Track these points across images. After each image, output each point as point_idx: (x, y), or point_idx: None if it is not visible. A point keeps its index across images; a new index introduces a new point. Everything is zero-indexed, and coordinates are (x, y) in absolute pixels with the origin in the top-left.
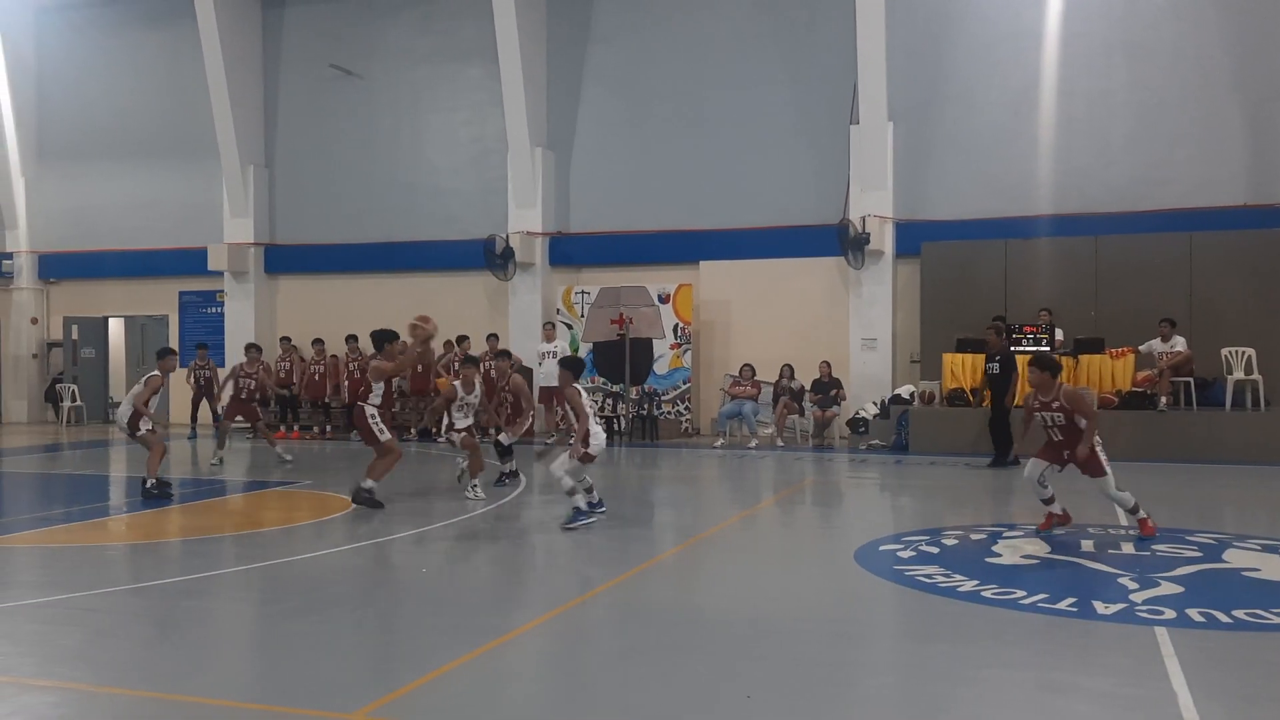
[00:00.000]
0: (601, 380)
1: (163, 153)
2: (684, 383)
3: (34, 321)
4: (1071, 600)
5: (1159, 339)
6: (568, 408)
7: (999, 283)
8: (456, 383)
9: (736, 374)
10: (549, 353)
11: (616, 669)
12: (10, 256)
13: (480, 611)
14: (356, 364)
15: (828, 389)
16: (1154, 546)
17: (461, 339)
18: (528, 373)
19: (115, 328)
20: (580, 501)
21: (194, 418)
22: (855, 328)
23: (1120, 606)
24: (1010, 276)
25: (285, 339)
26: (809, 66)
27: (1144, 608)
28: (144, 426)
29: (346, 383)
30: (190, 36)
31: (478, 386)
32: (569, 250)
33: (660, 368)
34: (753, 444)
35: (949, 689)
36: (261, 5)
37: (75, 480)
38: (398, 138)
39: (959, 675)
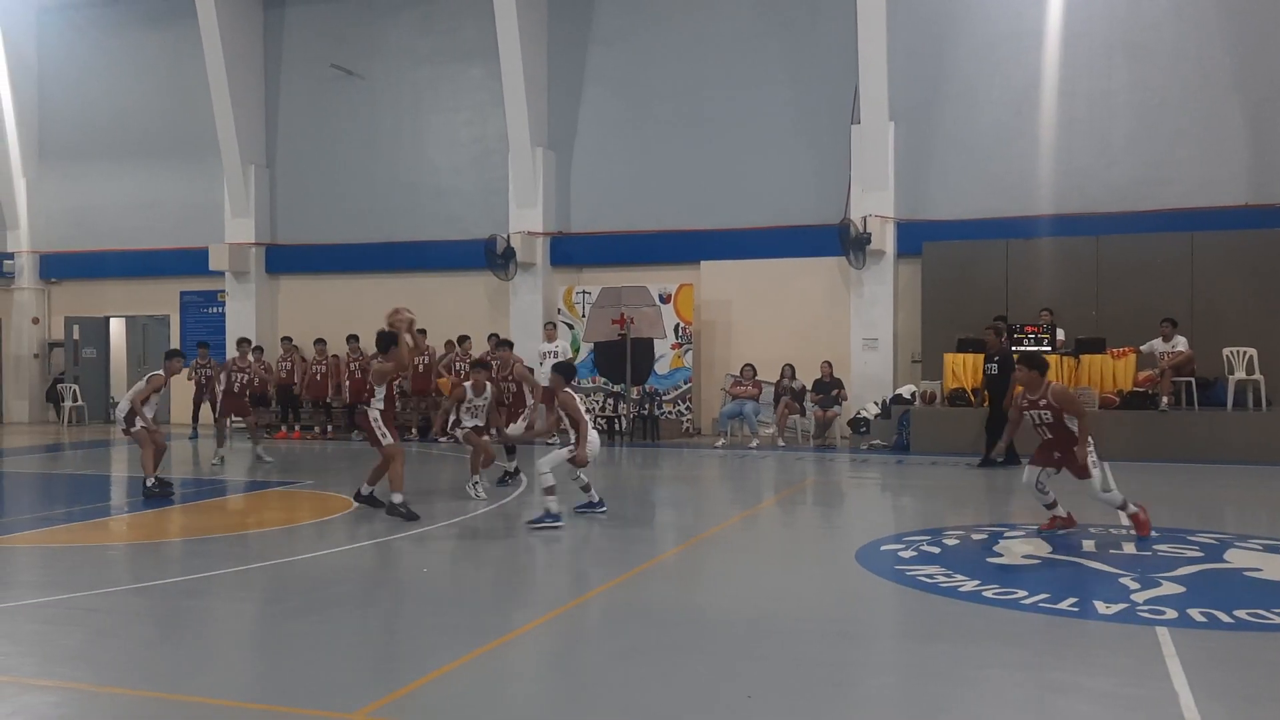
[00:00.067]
0: (602, 380)
1: (164, 152)
2: (685, 383)
3: (35, 321)
4: (1073, 600)
5: (1160, 339)
6: (562, 413)
7: (1000, 283)
8: (467, 385)
9: (737, 374)
10: (550, 353)
11: (617, 669)
12: (11, 256)
13: (481, 611)
14: (358, 364)
15: (829, 389)
16: (1155, 546)
17: (463, 339)
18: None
19: (116, 328)
20: (553, 505)
21: (195, 418)
22: (856, 327)
23: (1121, 606)
24: (1011, 276)
25: (286, 339)
26: (810, 66)
27: (1145, 608)
28: (138, 423)
29: (348, 383)
30: (191, 36)
31: (488, 390)
32: (570, 250)
33: (661, 368)
34: (754, 444)
35: (950, 689)
36: (262, 5)
37: (76, 480)
38: (399, 138)
39: (960, 675)
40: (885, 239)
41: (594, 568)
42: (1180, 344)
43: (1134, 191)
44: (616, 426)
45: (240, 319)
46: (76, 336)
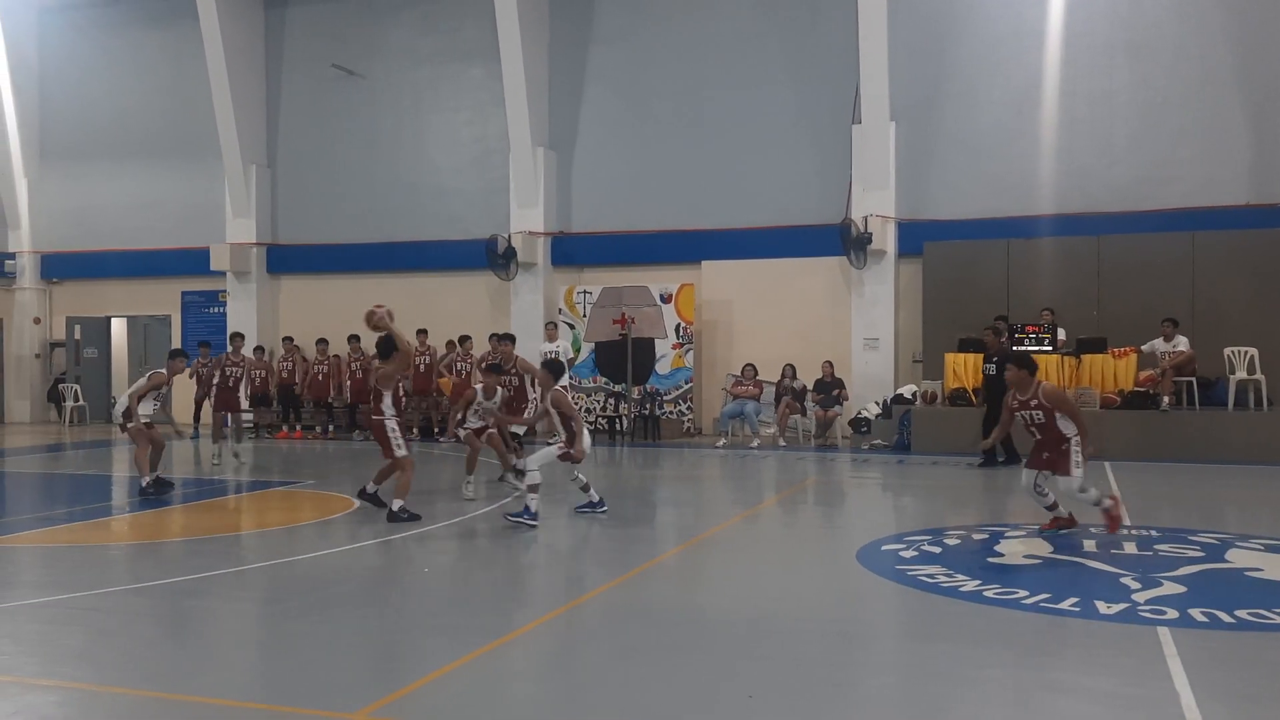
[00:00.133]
0: (603, 380)
1: (165, 153)
2: (686, 382)
3: (37, 321)
4: (1074, 600)
5: (1161, 339)
6: (555, 411)
7: (1001, 282)
8: (478, 387)
9: (738, 374)
10: (551, 352)
11: (618, 669)
12: (13, 256)
13: (482, 611)
14: (359, 364)
15: (830, 389)
16: (1156, 546)
17: (464, 339)
18: None
19: (118, 328)
20: (533, 503)
21: (196, 417)
22: (857, 327)
23: (1123, 606)
24: (1013, 276)
25: (288, 339)
26: (811, 66)
27: (1146, 608)
28: (137, 419)
29: (349, 383)
30: (192, 36)
31: (499, 394)
32: (571, 250)
33: (662, 368)
34: (755, 444)
35: (951, 689)
36: (263, 5)
37: (78, 480)
38: (400, 138)
39: (961, 675)
40: (886, 239)
41: (594, 568)
42: (1181, 344)
43: (1135, 191)
44: (617, 426)
45: (241, 319)
46: (78, 336)
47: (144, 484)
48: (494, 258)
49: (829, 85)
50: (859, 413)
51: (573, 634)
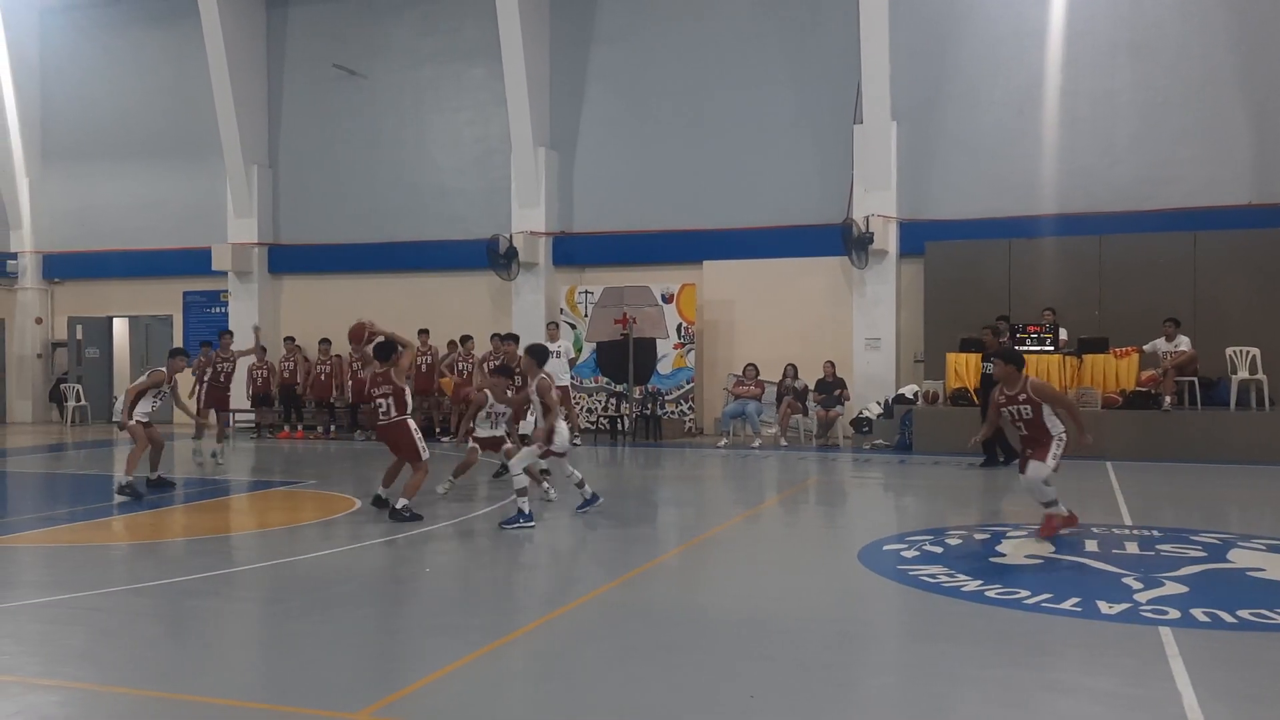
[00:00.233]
0: (605, 380)
1: (166, 153)
2: (687, 382)
3: (38, 321)
4: (1075, 600)
5: (1163, 338)
6: (535, 399)
7: (1003, 282)
8: (486, 391)
9: (740, 374)
10: (553, 353)
11: (618, 669)
12: (15, 257)
13: (483, 611)
14: (360, 364)
15: (831, 389)
16: (1158, 546)
17: (465, 339)
18: None
19: (119, 328)
20: (524, 505)
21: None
22: (859, 327)
23: (1124, 606)
24: (1014, 276)
25: (289, 339)
26: (812, 66)
27: (1148, 608)
28: (136, 417)
29: (350, 382)
30: (194, 36)
31: (509, 397)
32: (572, 250)
33: (664, 367)
34: (756, 444)
35: (953, 689)
36: (265, 5)
37: (79, 480)
38: (401, 138)
39: (962, 675)
40: (888, 239)
41: (596, 568)
42: (1183, 344)
43: (1137, 191)
44: (619, 426)
45: (243, 319)
46: (79, 336)
47: (122, 483)
48: (495, 258)
49: (830, 85)
50: (860, 413)
51: (574, 634)
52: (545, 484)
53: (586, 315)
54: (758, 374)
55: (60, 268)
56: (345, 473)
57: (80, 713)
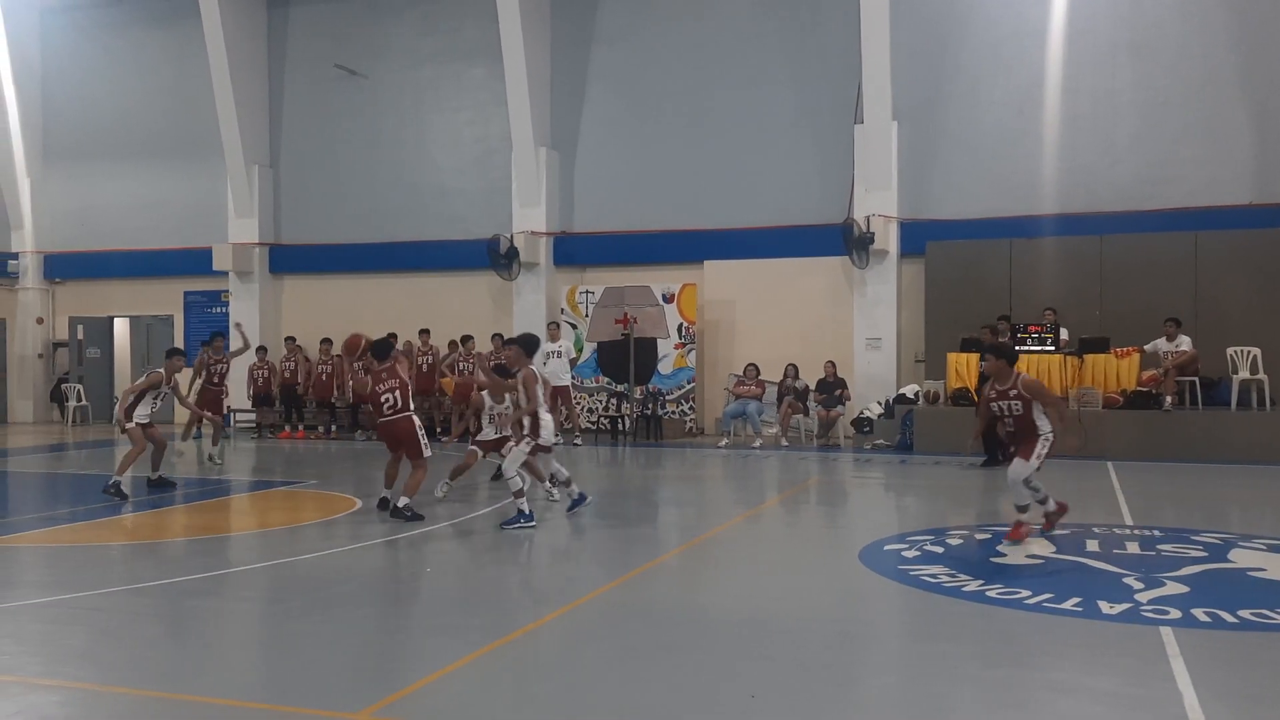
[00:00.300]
0: (606, 380)
1: (167, 153)
2: (688, 382)
3: (39, 321)
4: (1076, 600)
5: (1164, 338)
6: (521, 390)
7: (1004, 282)
8: (484, 393)
9: (741, 374)
10: (554, 352)
11: (618, 669)
12: (16, 257)
13: (484, 611)
14: (361, 364)
15: (832, 389)
16: (1159, 546)
17: (466, 339)
18: None
19: (120, 328)
20: (525, 505)
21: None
22: (860, 327)
23: (1125, 606)
24: (1015, 276)
25: (290, 339)
26: (813, 66)
27: (1149, 608)
28: (136, 419)
29: (351, 382)
30: (195, 36)
31: (508, 399)
32: (573, 250)
33: (665, 367)
34: (757, 444)
35: (953, 689)
36: (266, 5)
37: (80, 480)
38: (402, 138)
39: (963, 675)
40: (889, 238)
41: (597, 567)
42: (1184, 343)
43: (1138, 191)
44: (620, 426)
45: (244, 319)
46: (80, 336)
47: (110, 483)
48: (496, 258)
49: (831, 85)
50: (861, 413)
51: (575, 634)
52: (547, 484)
53: (587, 315)
54: (758, 374)
55: (61, 268)
56: (346, 473)
57: (81, 713)
